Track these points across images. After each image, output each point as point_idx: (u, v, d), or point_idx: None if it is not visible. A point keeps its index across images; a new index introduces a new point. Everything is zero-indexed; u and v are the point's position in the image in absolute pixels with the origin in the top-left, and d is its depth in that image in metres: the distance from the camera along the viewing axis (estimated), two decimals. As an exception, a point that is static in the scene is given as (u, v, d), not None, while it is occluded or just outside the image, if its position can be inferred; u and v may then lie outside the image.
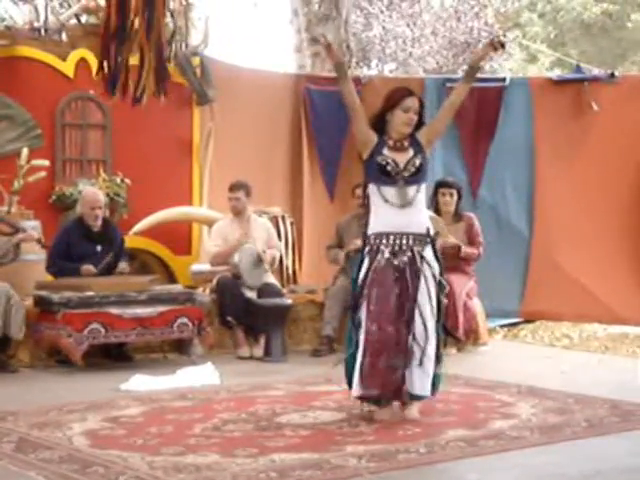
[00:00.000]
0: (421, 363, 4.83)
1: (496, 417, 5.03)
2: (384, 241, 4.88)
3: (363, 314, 4.85)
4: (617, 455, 4.31)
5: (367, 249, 4.92)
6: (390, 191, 4.90)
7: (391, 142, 4.95)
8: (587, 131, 8.63)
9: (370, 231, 4.95)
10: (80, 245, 7.09)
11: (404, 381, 4.82)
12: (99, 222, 7.16)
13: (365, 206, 5.30)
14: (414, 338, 4.82)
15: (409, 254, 4.87)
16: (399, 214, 4.89)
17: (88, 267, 7.02)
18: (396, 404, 4.95)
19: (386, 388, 4.82)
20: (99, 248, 7.14)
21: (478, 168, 8.84)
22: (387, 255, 4.86)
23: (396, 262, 4.85)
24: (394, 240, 4.87)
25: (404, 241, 4.87)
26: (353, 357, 4.89)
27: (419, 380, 4.86)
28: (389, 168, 4.89)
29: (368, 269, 4.88)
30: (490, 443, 4.48)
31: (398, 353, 4.79)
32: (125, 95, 6.41)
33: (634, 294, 8.35)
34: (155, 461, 4.16)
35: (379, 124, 4.98)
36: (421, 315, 4.85)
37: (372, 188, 4.96)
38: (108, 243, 7.18)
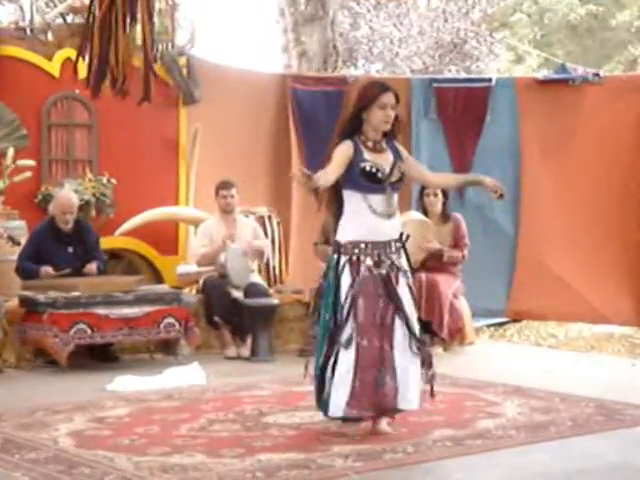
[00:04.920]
0: (408, 375, 4.63)
1: (482, 416, 5.04)
2: (365, 250, 4.61)
3: (351, 328, 4.55)
4: (602, 454, 4.33)
5: (345, 258, 4.60)
6: (376, 199, 4.62)
7: (370, 143, 4.68)
8: (573, 131, 8.65)
9: (345, 238, 4.64)
10: (51, 246, 7.05)
11: (395, 397, 4.61)
12: (70, 225, 7.13)
13: (333, 213, 4.80)
14: (395, 350, 4.61)
15: (389, 263, 4.66)
16: (384, 223, 4.65)
17: (46, 269, 6.97)
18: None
19: (379, 407, 4.62)
20: (70, 249, 7.11)
21: (465, 168, 8.84)
22: (369, 265, 4.61)
23: (379, 272, 4.62)
24: (373, 249, 4.62)
25: (384, 250, 4.65)
26: (323, 374, 4.59)
27: (408, 393, 4.64)
28: (380, 175, 4.64)
29: (353, 280, 4.58)
30: (476, 442, 4.50)
31: (386, 368, 4.59)
32: (111, 92, 6.38)
33: (620, 293, 8.38)
34: (141, 461, 4.16)
35: (355, 124, 4.69)
36: (408, 325, 4.64)
37: (354, 195, 4.64)
38: (80, 244, 7.14)
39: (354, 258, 4.62)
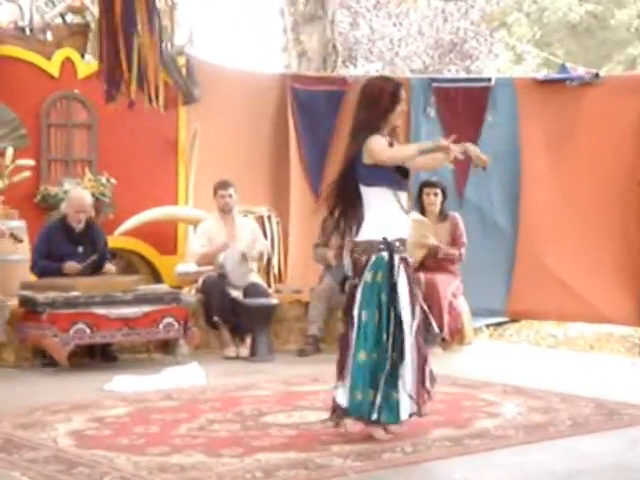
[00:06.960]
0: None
1: (481, 416, 5.04)
2: (406, 249, 4.58)
3: (416, 327, 4.51)
4: (601, 453, 4.34)
5: (398, 257, 4.49)
6: (404, 196, 4.58)
7: (388, 139, 4.58)
8: (572, 131, 8.65)
9: (393, 236, 4.51)
10: (62, 245, 7.05)
11: None
12: (82, 224, 7.14)
13: (346, 211, 4.66)
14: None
15: (411, 260, 4.70)
16: (407, 220, 4.64)
17: (71, 264, 6.98)
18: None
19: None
20: (81, 249, 7.10)
21: (464, 168, 8.83)
22: (410, 263, 4.62)
23: (412, 271, 4.66)
24: (405, 246, 4.60)
25: (407, 247, 4.65)
26: (374, 376, 4.44)
27: None
28: (408, 171, 4.60)
29: (409, 279, 4.54)
30: (475, 442, 4.50)
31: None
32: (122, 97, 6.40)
33: (619, 293, 8.37)
34: (140, 461, 4.16)
35: (381, 122, 4.55)
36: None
37: (384, 193, 4.53)
38: (90, 244, 7.14)
39: (403, 256, 4.56)
